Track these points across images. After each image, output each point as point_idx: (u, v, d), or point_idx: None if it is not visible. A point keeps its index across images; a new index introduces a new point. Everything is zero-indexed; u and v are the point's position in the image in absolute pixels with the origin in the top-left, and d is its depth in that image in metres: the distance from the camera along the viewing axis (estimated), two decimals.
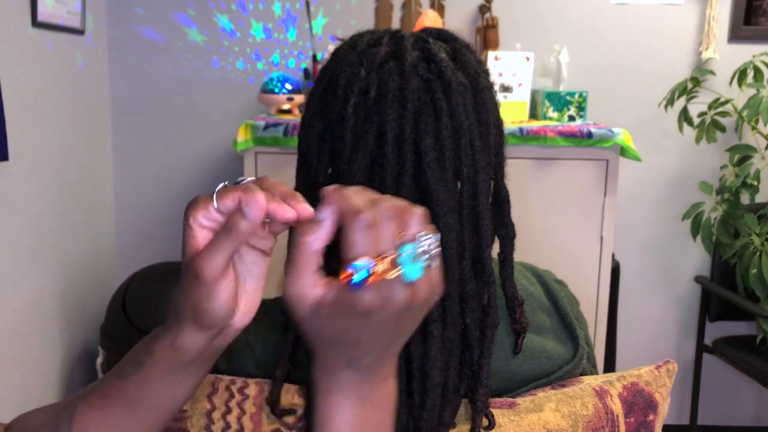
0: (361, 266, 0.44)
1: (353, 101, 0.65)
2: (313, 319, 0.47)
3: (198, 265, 0.49)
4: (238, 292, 0.52)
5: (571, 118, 2.01)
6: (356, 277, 0.44)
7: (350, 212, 0.45)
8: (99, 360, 2.03)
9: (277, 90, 1.98)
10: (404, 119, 0.64)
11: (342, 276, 0.44)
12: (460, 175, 0.66)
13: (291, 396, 0.68)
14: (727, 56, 2.26)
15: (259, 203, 0.47)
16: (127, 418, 0.57)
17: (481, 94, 0.68)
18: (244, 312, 0.53)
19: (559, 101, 2.01)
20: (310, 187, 0.69)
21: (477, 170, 0.66)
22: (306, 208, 0.47)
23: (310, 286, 0.47)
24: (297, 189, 0.70)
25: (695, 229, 2.14)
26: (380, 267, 0.44)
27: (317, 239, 0.47)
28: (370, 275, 0.44)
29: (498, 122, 0.72)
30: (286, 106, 2.00)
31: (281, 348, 0.70)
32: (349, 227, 0.45)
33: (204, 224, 0.49)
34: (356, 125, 0.65)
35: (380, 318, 0.45)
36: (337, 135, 0.67)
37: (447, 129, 0.65)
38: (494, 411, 0.68)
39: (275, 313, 0.73)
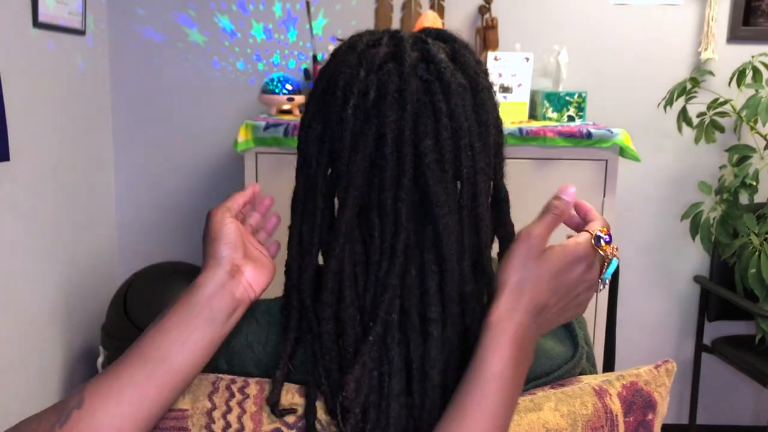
0: (602, 235, 0.65)
1: (352, 102, 0.65)
2: (543, 260, 0.63)
3: (213, 210, 0.70)
4: (251, 244, 0.72)
5: (571, 119, 2.02)
6: (600, 238, 0.64)
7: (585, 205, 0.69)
8: (100, 359, 2.03)
9: (277, 90, 1.99)
10: (403, 121, 0.64)
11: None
12: (460, 176, 0.66)
13: (291, 396, 0.68)
14: (726, 57, 2.27)
15: None
16: (138, 371, 0.62)
17: (480, 94, 0.68)
18: (256, 271, 0.70)
19: (558, 102, 2.01)
20: (309, 191, 0.69)
21: (476, 171, 0.67)
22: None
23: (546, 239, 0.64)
24: (297, 190, 0.70)
25: (694, 229, 2.15)
26: (608, 247, 0.64)
27: (564, 212, 0.66)
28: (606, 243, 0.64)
29: (497, 122, 0.72)
30: (286, 107, 2.00)
31: (281, 348, 0.71)
32: (590, 211, 0.68)
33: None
34: (355, 127, 0.65)
35: (584, 281, 0.64)
36: (336, 137, 0.67)
37: (446, 130, 0.65)
38: None
39: (275, 313, 0.74)
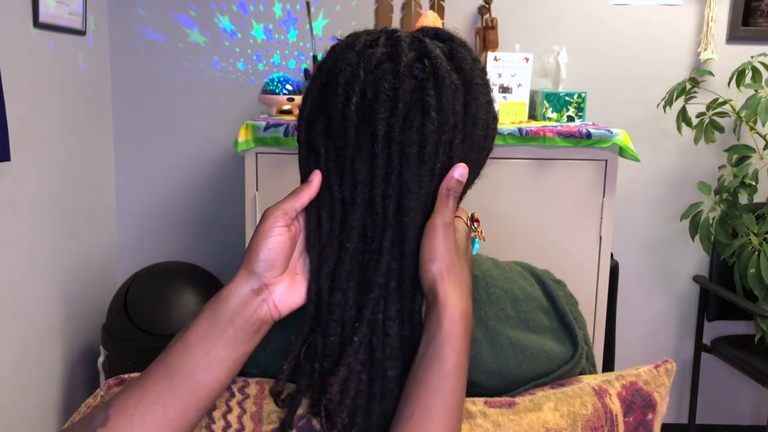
0: (476, 219, 0.72)
1: (354, 100, 0.66)
2: (456, 245, 0.66)
3: (270, 210, 0.66)
4: (288, 263, 0.66)
5: (570, 119, 2.02)
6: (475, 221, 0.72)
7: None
8: (100, 359, 2.04)
9: (277, 91, 1.99)
10: (394, 118, 0.65)
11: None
12: (434, 170, 0.67)
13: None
14: (726, 57, 2.27)
15: None
16: (164, 390, 0.60)
17: (473, 89, 0.69)
18: (287, 291, 0.66)
19: (558, 102, 2.01)
20: (323, 183, 0.69)
21: (448, 167, 0.67)
22: None
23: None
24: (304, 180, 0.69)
25: (694, 229, 2.15)
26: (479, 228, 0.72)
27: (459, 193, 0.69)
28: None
29: (488, 121, 0.72)
30: (286, 107, 2.00)
31: (279, 348, 0.71)
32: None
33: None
34: (357, 125, 0.66)
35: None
36: (339, 133, 0.67)
37: (432, 123, 0.66)
38: (494, 410, 0.68)
39: None
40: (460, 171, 0.67)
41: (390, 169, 0.65)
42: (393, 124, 0.65)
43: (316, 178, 0.68)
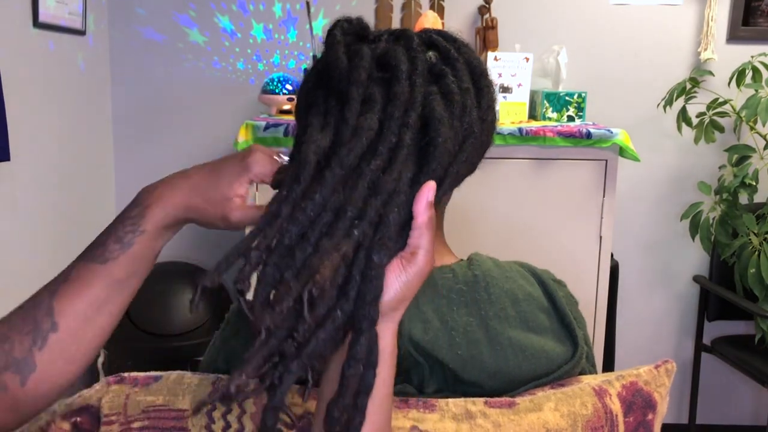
0: None
1: (366, 66, 0.63)
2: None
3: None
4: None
5: (570, 119, 2.02)
6: None
7: None
8: (100, 359, 2.04)
9: (277, 90, 1.99)
10: (414, 76, 0.63)
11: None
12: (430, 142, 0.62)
13: (291, 395, 0.68)
14: (726, 57, 2.27)
15: None
16: (113, 292, 0.64)
17: (481, 80, 0.69)
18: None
19: (558, 102, 2.01)
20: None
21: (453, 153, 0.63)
22: None
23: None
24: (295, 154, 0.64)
25: (694, 229, 2.15)
26: None
27: None
28: None
29: (491, 120, 0.72)
30: (286, 107, 2.00)
31: None
32: None
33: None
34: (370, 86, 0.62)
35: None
36: (348, 94, 0.62)
37: (452, 94, 0.64)
38: (494, 411, 0.68)
39: None
40: (430, 193, 0.59)
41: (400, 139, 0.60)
42: (415, 83, 0.62)
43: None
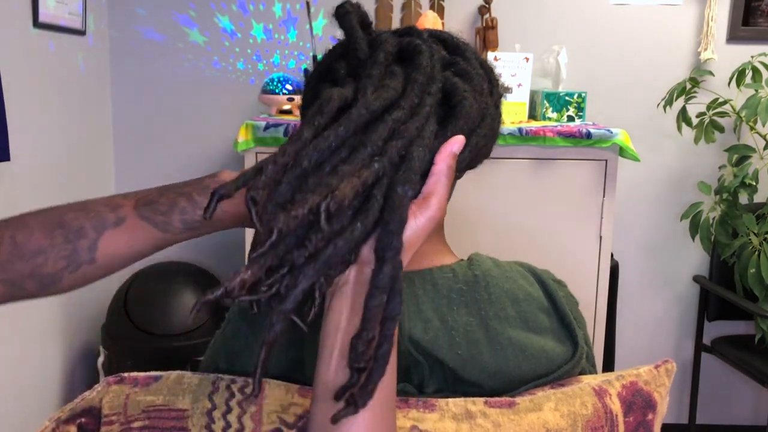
0: None
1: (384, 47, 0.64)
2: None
3: None
4: None
5: (570, 119, 2.02)
6: None
7: None
8: (100, 359, 2.04)
9: (277, 90, 1.99)
10: (433, 58, 0.65)
11: None
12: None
13: (291, 395, 0.68)
14: (726, 57, 2.27)
15: None
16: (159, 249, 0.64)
17: (490, 75, 0.72)
18: None
19: (558, 102, 2.01)
20: None
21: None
22: None
23: None
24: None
25: (694, 229, 2.15)
26: None
27: None
28: None
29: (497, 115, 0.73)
30: (286, 107, 2.00)
31: (280, 347, 0.71)
32: None
33: None
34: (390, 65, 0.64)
35: None
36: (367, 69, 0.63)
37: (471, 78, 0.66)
38: (494, 411, 0.68)
39: None
40: (458, 144, 0.60)
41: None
42: (434, 62, 0.64)
43: None
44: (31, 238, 0.60)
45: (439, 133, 0.60)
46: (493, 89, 0.71)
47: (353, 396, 0.50)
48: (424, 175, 0.58)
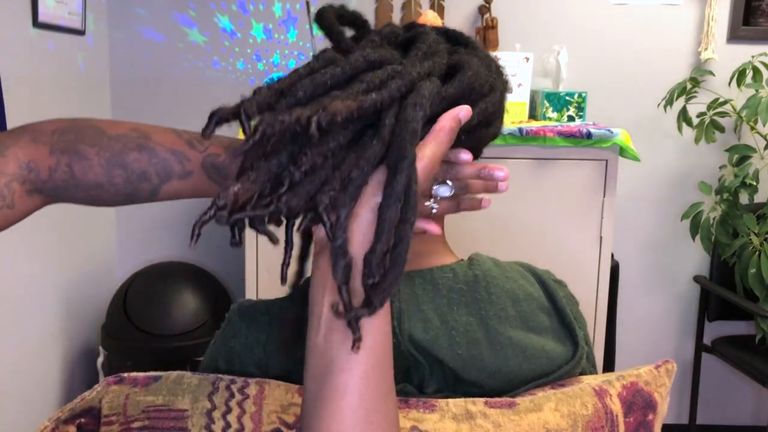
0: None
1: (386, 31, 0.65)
2: None
3: None
4: None
5: (571, 119, 2.02)
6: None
7: None
8: (100, 359, 2.04)
9: None
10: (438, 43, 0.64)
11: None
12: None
13: (291, 396, 0.68)
14: (726, 56, 2.27)
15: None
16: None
17: (493, 63, 0.70)
18: None
19: (558, 101, 2.01)
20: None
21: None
22: None
23: None
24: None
25: (694, 229, 2.15)
26: None
27: None
28: None
29: (498, 107, 0.72)
30: None
31: (280, 348, 0.70)
32: None
33: None
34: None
35: None
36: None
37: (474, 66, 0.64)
38: (494, 411, 0.68)
39: (274, 313, 0.74)
40: (464, 111, 0.57)
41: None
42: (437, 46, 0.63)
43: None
44: (89, 172, 0.59)
45: (442, 92, 0.57)
46: (500, 72, 0.70)
47: (369, 298, 0.48)
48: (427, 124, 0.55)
